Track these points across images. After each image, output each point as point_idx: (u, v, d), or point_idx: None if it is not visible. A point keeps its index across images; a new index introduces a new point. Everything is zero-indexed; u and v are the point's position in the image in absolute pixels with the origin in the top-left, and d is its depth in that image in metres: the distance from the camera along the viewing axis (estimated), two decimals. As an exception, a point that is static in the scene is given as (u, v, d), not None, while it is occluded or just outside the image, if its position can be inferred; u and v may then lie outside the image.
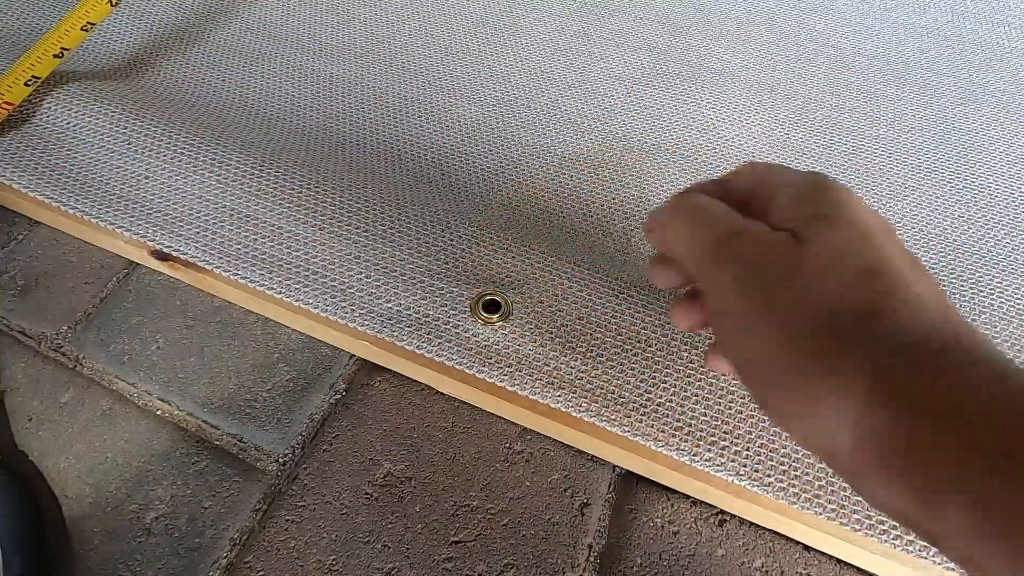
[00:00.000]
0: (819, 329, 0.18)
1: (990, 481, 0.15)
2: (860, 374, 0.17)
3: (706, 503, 0.28)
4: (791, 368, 0.18)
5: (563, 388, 0.28)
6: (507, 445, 0.29)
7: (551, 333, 0.30)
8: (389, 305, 0.31)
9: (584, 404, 0.28)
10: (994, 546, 0.15)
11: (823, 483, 0.26)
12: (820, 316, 0.18)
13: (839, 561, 0.27)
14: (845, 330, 0.18)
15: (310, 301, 0.31)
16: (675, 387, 0.29)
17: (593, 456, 0.29)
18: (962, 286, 0.34)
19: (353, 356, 0.32)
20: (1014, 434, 0.15)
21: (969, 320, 0.32)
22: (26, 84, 0.36)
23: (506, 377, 0.29)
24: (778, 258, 0.20)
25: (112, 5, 0.39)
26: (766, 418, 0.19)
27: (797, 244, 0.20)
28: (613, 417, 0.28)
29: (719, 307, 0.20)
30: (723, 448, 0.27)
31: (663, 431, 0.27)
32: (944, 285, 0.34)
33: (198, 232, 0.33)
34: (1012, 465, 0.15)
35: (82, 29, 0.38)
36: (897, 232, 0.36)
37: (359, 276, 0.32)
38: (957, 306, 0.33)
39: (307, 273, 0.32)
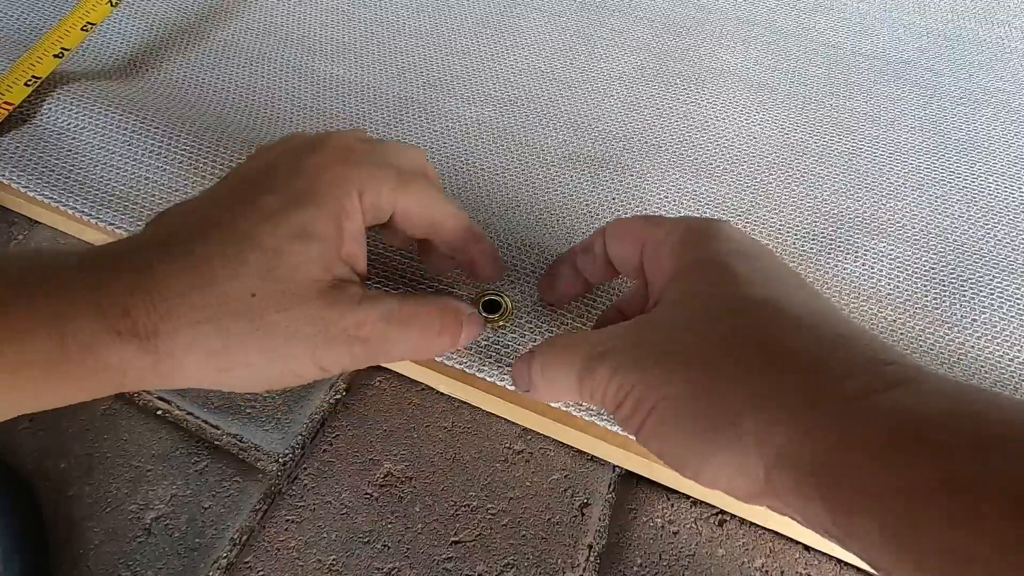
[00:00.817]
0: (691, 384, 0.18)
1: (898, 512, 0.14)
2: (743, 408, 0.17)
3: (706, 503, 0.28)
4: (682, 428, 0.18)
5: (563, 388, 0.28)
6: (507, 445, 0.29)
7: (551, 333, 0.30)
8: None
9: (584, 404, 0.28)
10: (910, 572, 0.14)
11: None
12: (690, 370, 0.19)
13: (839, 561, 0.27)
14: (713, 371, 0.18)
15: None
16: (675, 387, 0.29)
17: (593, 456, 0.29)
18: (962, 286, 0.34)
19: (353, 356, 0.32)
20: (901, 453, 0.15)
21: (967, 320, 0.32)
22: (26, 84, 0.36)
23: (506, 377, 0.29)
24: (640, 334, 0.20)
25: (112, 5, 0.39)
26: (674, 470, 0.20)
27: (660, 307, 0.21)
28: (613, 417, 0.28)
29: (612, 408, 0.21)
30: (723, 448, 0.27)
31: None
32: (944, 285, 0.34)
33: (198, 232, 0.33)
34: (913, 496, 0.14)
35: (82, 29, 0.38)
36: (898, 231, 0.36)
37: (359, 276, 0.32)
38: (957, 306, 0.33)
39: (307, 273, 0.32)
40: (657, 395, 0.19)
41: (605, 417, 0.28)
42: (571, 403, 0.28)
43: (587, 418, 0.28)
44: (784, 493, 0.17)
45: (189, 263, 0.20)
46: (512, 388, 0.29)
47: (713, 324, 0.19)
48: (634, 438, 0.20)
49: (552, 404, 0.28)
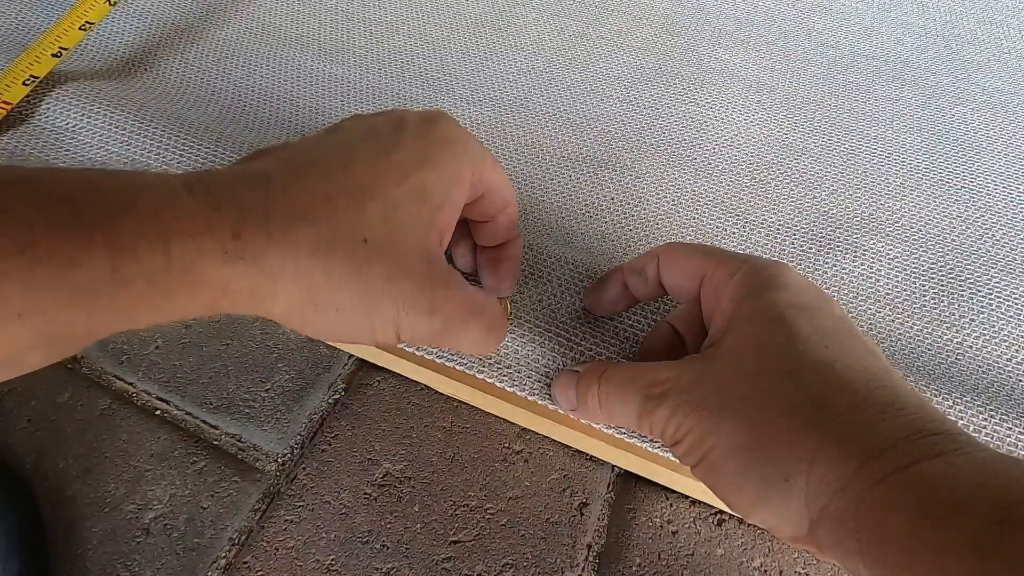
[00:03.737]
0: (747, 434, 0.19)
1: (935, 572, 0.16)
2: (794, 463, 0.18)
3: (705, 503, 0.28)
4: (734, 474, 0.20)
5: (562, 388, 0.28)
6: (506, 445, 0.29)
7: (551, 333, 0.30)
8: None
9: (583, 404, 0.28)
10: None
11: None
12: (746, 420, 0.20)
13: (838, 561, 0.27)
14: (769, 425, 0.19)
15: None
16: (674, 387, 0.29)
17: (592, 456, 0.29)
18: (961, 286, 0.34)
19: (352, 356, 0.32)
20: (942, 517, 0.16)
21: (965, 320, 0.32)
22: (24, 83, 0.36)
23: (506, 377, 0.29)
24: (697, 380, 0.21)
25: (111, 4, 0.39)
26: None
27: (717, 353, 0.22)
28: (612, 417, 0.28)
29: (670, 444, 0.22)
30: (722, 448, 0.27)
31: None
32: (943, 285, 0.34)
33: (197, 232, 0.33)
34: (950, 558, 0.15)
35: (80, 28, 0.38)
36: (898, 231, 0.36)
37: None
38: (956, 306, 0.33)
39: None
40: (713, 441, 0.20)
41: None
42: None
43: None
44: (826, 545, 0.18)
45: (310, 198, 0.20)
46: (511, 388, 0.29)
47: (770, 380, 0.20)
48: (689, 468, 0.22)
49: (550, 404, 0.28)
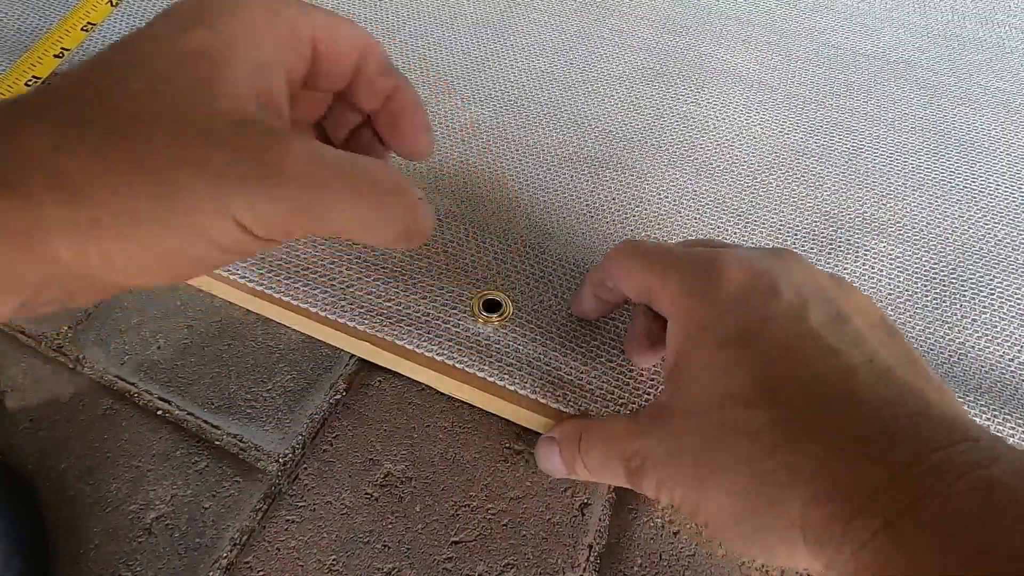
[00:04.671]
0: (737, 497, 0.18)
1: None
2: (811, 523, 0.17)
3: (706, 503, 0.28)
4: (740, 536, 0.18)
5: (563, 388, 0.28)
6: (507, 445, 0.29)
7: (551, 333, 0.30)
8: (389, 305, 0.31)
9: (584, 404, 0.28)
10: None
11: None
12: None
13: (839, 561, 0.27)
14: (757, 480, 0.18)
15: (310, 301, 0.31)
16: (675, 387, 0.29)
17: (593, 456, 0.29)
18: (963, 286, 0.34)
19: (353, 356, 0.32)
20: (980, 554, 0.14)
21: (967, 320, 0.32)
22: (26, 84, 0.36)
23: (506, 376, 0.29)
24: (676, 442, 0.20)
25: (113, 5, 0.39)
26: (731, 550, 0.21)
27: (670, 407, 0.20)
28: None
29: (670, 504, 0.22)
30: (723, 448, 0.27)
31: (663, 431, 0.27)
32: (944, 285, 0.34)
33: (198, 232, 0.33)
34: None
35: (82, 29, 0.38)
36: (899, 231, 0.36)
37: (359, 276, 0.32)
38: (957, 306, 0.33)
39: (307, 273, 0.32)
40: (706, 515, 0.19)
41: (604, 417, 0.28)
42: (571, 405, 0.28)
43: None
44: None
45: (58, 87, 0.16)
46: (512, 388, 0.29)
47: (734, 446, 0.18)
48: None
49: (551, 403, 0.28)
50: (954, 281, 0.34)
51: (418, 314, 0.30)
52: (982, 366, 0.31)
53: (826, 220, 0.37)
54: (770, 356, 0.18)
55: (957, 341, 0.32)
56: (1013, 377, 0.30)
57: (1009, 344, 0.31)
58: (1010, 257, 0.35)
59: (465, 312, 0.30)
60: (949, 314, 0.33)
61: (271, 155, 0.15)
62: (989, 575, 0.13)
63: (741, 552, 0.20)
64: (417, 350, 0.29)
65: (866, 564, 0.15)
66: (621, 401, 0.28)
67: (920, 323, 0.32)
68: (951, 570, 0.14)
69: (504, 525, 0.27)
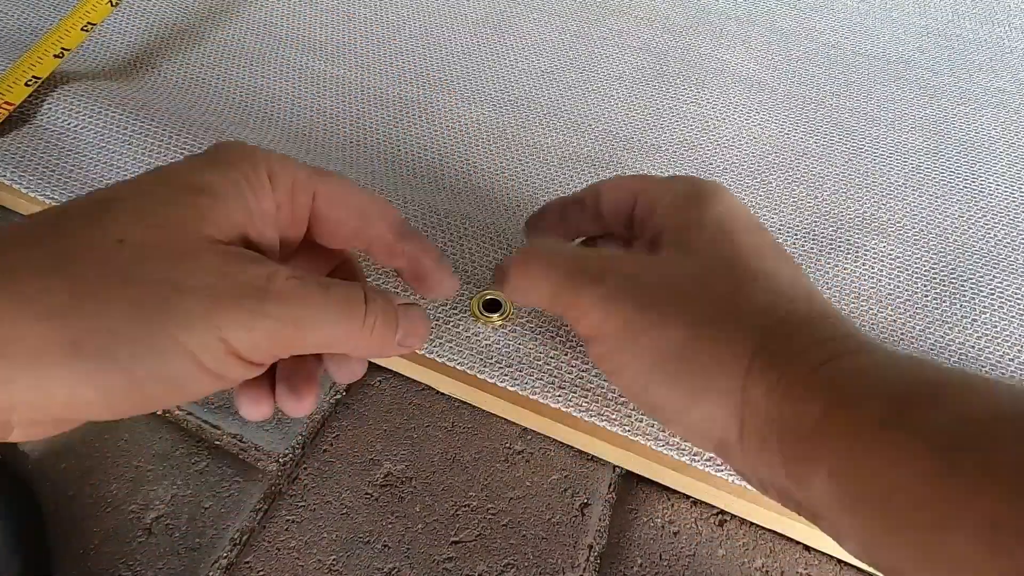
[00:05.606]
0: (690, 331, 0.19)
1: (842, 453, 0.16)
2: (735, 362, 0.18)
3: (706, 503, 0.28)
4: (670, 372, 0.19)
5: (563, 388, 0.28)
6: (507, 445, 0.29)
7: (551, 333, 0.30)
8: (389, 305, 0.31)
9: (584, 404, 0.28)
10: (850, 518, 0.16)
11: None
12: (689, 317, 0.19)
13: (839, 561, 0.27)
14: (713, 324, 0.19)
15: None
16: (675, 387, 0.29)
17: (593, 456, 0.29)
18: (962, 286, 0.34)
19: (353, 356, 0.32)
20: (851, 401, 0.16)
21: (967, 320, 0.32)
22: (26, 84, 0.36)
23: (506, 377, 0.29)
24: (638, 271, 0.21)
25: (113, 5, 0.39)
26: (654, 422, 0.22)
27: (657, 254, 0.21)
28: (613, 417, 0.28)
29: (589, 333, 0.21)
30: (723, 448, 0.27)
31: (663, 431, 0.27)
32: (944, 285, 0.34)
33: (198, 232, 0.33)
34: (857, 435, 0.16)
35: (82, 29, 0.38)
36: (899, 231, 0.36)
37: (359, 276, 0.32)
38: (957, 306, 0.33)
39: (307, 273, 0.32)
40: (648, 339, 0.19)
41: (606, 417, 0.28)
42: (571, 405, 0.28)
43: (587, 418, 0.28)
44: (750, 450, 0.18)
45: (30, 223, 0.15)
46: (512, 388, 0.29)
47: (717, 285, 0.20)
48: (596, 366, 0.21)
49: (551, 403, 0.28)
50: (954, 281, 0.34)
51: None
52: (983, 366, 0.31)
53: (826, 220, 0.37)
54: (755, 246, 0.21)
55: (957, 341, 0.32)
56: (1013, 377, 0.30)
57: (1009, 344, 0.31)
58: (1010, 257, 0.35)
59: (465, 312, 0.30)
60: (949, 314, 0.33)
61: (259, 279, 0.16)
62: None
63: (657, 396, 0.20)
64: (417, 351, 0.29)
65: (795, 398, 0.17)
66: (621, 400, 0.28)
67: (920, 323, 0.32)
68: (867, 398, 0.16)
69: (504, 525, 0.27)
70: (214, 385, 0.16)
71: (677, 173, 0.38)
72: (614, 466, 0.29)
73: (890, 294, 0.33)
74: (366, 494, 0.28)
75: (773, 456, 0.18)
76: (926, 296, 0.33)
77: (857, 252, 0.35)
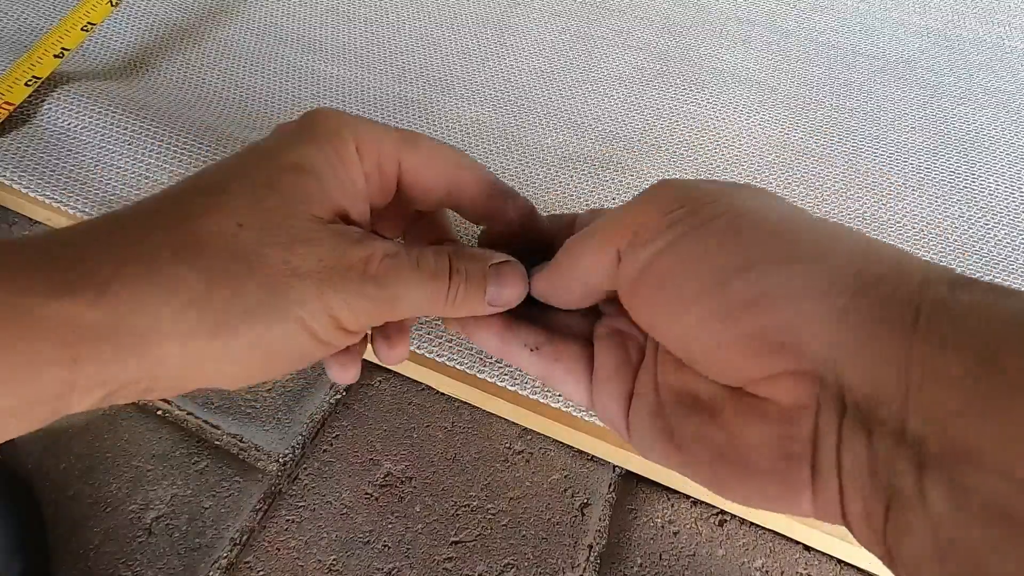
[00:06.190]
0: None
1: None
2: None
3: (706, 503, 0.28)
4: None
5: (563, 388, 0.28)
6: (507, 445, 0.29)
7: (551, 333, 0.30)
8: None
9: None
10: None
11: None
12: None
13: (839, 561, 0.27)
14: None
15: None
16: (675, 387, 0.29)
17: (593, 456, 0.29)
18: (962, 286, 0.34)
19: (353, 356, 0.32)
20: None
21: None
22: (26, 84, 0.36)
23: (506, 377, 0.29)
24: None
25: (113, 5, 0.39)
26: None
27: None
28: (613, 417, 0.28)
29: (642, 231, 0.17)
30: (723, 448, 0.27)
31: (663, 431, 0.27)
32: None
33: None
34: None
35: (82, 29, 0.38)
36: (899, 231, 0.36)
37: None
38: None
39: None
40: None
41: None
42: (571, 405, 0.28)
43: (587, 418, 0.28)
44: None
45: (154, 207, 0.16)
46: (512, 388, 0.29)
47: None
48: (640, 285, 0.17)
49: (551, 403, 0.28)
50: (954, 281, 0.34)
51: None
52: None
53: (826, 220, 0.37)
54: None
55: (957, 341, 0.32)
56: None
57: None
58: (1011, 257, 0.35)
59: (465, 312, 0.30)
60: (949, 314, 0.33)
61: (359, 262, 0.18)
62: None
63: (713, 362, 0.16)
64: (417, 351, 0.29)
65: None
66: (621, 401, 0.28)
67: (920, 323, 0.32)
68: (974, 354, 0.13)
69: (504, 525, 0.27)
70: (323, 351, 0.18)
71: (677, 173, 0.38)
72: (614, 466, 0.29)
73: (890, 294, 0.33)
74: (366, 494, 0.28)
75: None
76: (926, 296, 0.33)
77: (857, 252, 0.35)
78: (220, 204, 0.17)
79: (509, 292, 0.20)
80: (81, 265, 0.15)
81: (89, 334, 0.14)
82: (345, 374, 0.21)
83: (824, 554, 0.27)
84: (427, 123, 0.40)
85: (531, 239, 0.23)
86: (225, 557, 0.26)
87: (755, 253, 0.15)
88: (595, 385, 0.20)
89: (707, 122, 0.42)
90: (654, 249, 0.17)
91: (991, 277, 0.34)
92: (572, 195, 0.37)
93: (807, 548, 0.27)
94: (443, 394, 0.31)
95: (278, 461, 0.29)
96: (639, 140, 0.40)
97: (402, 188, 0.21)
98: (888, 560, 0.14)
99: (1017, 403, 0.12)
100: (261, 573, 0.26)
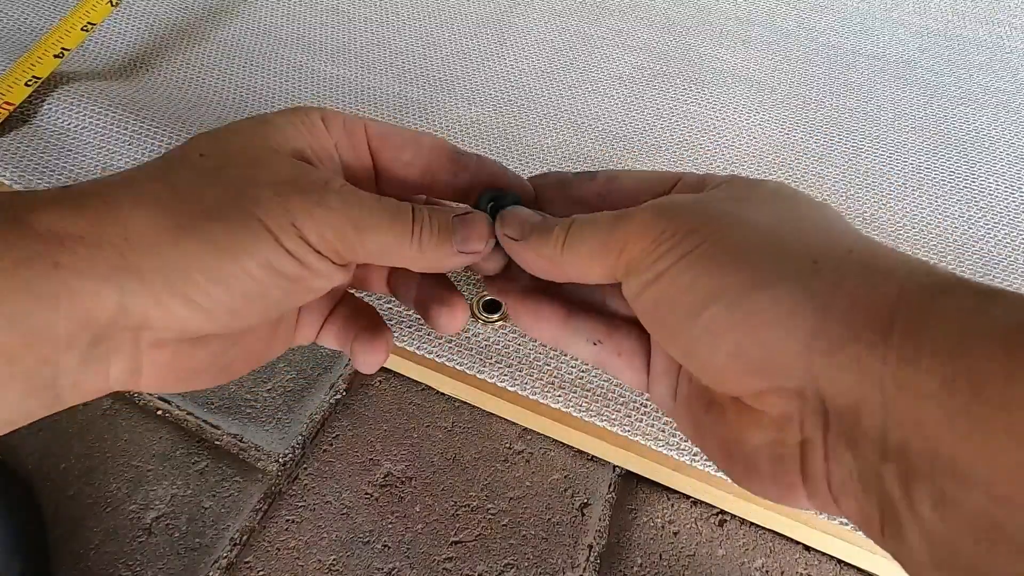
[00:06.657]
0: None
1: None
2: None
3: (706, 503, 0.28)
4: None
5: (563, 388, 0.28)
6: (507, 445, 0.29)
7: (551, 333, 0.30)
8: (389, 306, 0.31)
9: (584, 404, 0.28)
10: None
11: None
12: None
13: (839, 561, 0.27)
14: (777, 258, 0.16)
15: (310, 301, 0.31)
16: (675, 387, 0.29)
17: (593, 456, 0.29)
18: (962, 286, 0.34)
19: (353, 356, 0.32)
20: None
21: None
22: (27, 84, 0.36)
23: (506, 377, 0.29)
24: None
25: (113, 5, 0.39)
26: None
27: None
28: (613, 417, 0.28)
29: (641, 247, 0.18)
30: (723, 448, 0.27)
31: (663, 431, 0.27)
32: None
33: (198, 232, 0.33)
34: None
35: (82, 29, 0.38)
36: (899, 231, 0.36)
37: (359, 276, 0.32)
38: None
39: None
40: (713, 227, 0.17)
41: (606, 417, 0.28)
42: (571, 405, 0.28)
43: (587, 418, 0.28)
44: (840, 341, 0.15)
45: (140, 170, 0.19)
46: (512, 388, 0.29)
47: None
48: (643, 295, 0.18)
49: (551, 403, 0.28)
50: (954, 281, 0.34)
51: (418, 315, 0.30)
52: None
53: (826, 220, 0.37)
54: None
55: (957, 341, 0.32)
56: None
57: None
58: (1011, 256, 0.35)
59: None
60: (949, 314, 0.33)
61: (320, 179, 0.19)
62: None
63: (725, 374, 0.17)
64: (417, 351, 0.29)
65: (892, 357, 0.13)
66: (622, 400, 0.28)
67: (920, 323, 0.32)
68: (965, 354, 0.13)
69: (504, 525, 0.27)
70: (300, 272, 0.18)
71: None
72: (614, 466, 0.29)
73: (890, 294, 0.33)
74: (366, 494, 0.28)
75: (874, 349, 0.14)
76: (926, 296, 0.33)
77: (857, 252, 0.35)
78: (187, 144, 0.19)
79: (476, 240, 0.21)
80: (69, 191, 0.17)
81: (68, 240, 0.16)
82: (371, 359, 0.22)
83: (824, 554, 0.27)
84: (427, 123, 0.40)
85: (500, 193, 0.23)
86: (225, 557, 0.26)
87: (729, 282, 0.16)
88: (651, 378, 0.21)
89: (707, 122, 0.42)
90: (643, 280, 0.18)
91: (991, 277, 0.34)
92: (572, 195, 0.37)
93: (807, 548, 0.27)
94: (443, 394, 0.31)
95: (278, 461, 0.29)
96: (639, 140, 0.40)
97: (379, 169, 0.22)
98: (894, 557, 0.14)
99: (996, 420, 0.12)
100: (261, 573, 0.26)
